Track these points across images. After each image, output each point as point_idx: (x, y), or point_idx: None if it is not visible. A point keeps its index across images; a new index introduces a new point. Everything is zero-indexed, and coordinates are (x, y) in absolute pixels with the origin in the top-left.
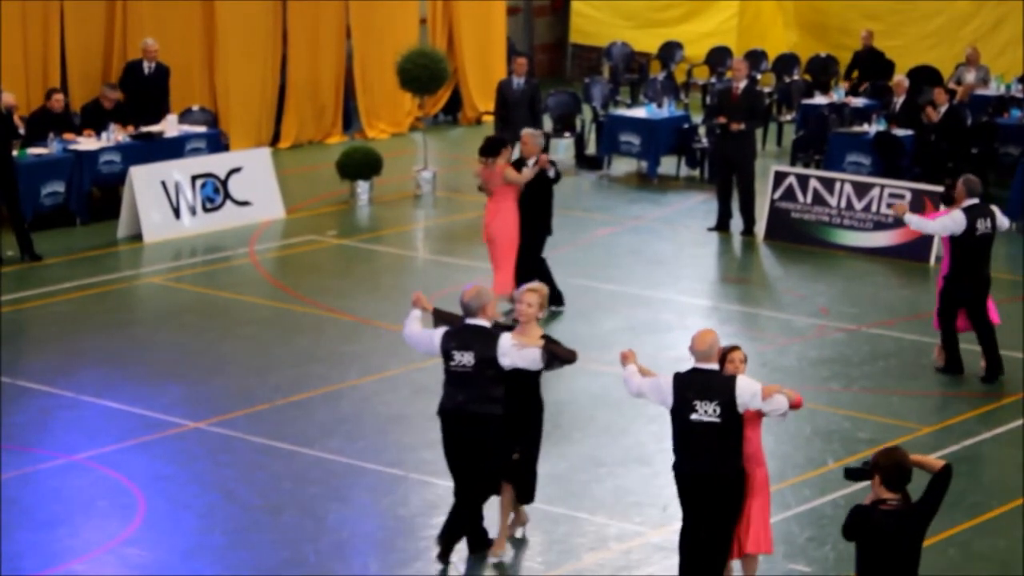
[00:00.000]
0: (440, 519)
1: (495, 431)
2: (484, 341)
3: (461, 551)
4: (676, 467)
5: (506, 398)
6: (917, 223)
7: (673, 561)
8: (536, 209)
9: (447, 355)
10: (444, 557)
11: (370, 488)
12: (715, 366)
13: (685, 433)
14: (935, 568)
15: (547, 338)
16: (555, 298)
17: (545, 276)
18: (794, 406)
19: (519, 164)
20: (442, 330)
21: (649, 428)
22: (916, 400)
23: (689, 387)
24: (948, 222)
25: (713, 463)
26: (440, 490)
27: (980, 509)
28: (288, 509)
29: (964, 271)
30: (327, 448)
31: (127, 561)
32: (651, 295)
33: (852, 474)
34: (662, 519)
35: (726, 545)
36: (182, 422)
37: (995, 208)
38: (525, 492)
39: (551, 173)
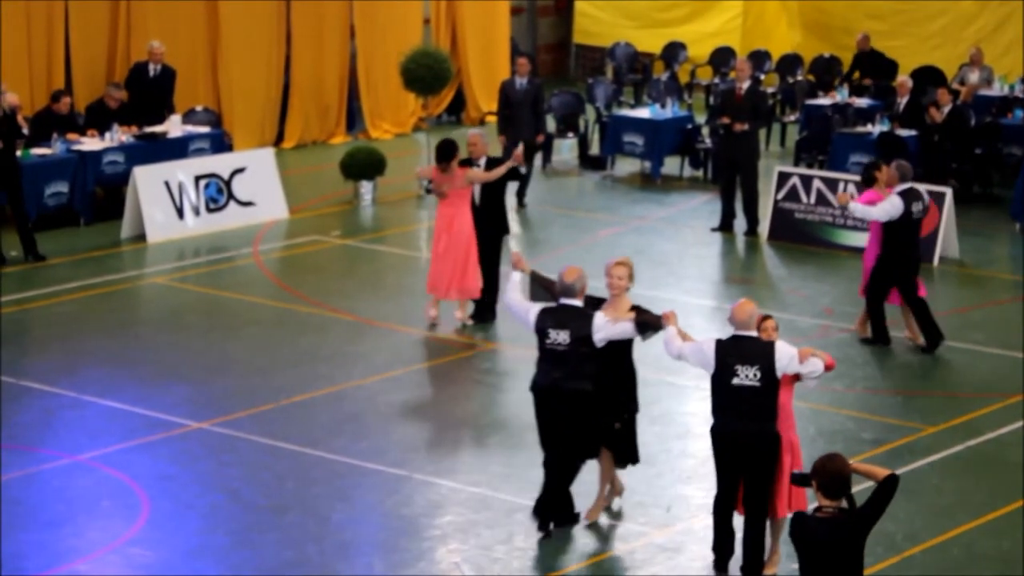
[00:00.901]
0: (444, 519)
1: (587, 407)
2: (579, 320)
3: (457, 551)
4: (715, 429)
5: (603, 370)
6: (861, 211)
7: (676, 561)
8: (494, 209)
9: (543, 333)
10: (544, 528)
11: (374, 488)
12: (754, 334)
13: (726, 397)
14: (938, 568)
15: (637, 308)
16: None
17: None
18: (828, 367)
19: (467, 164)
20: (538, 308)
21: (652, 429)
22: (920, 400)
23: (730, 353)
24: (888, 207)
25: (752, 424)
26: (444, 490)
27: (984, 509)
28: (292, 509)
29: (898, 252)
30: (331, 448)
31: (131, 561)
32: (655, 295)
33: (796, 479)
34: (666, 519)
35: (763, 506)
36: (186, 422)
37: (923, 190)
38: (630, 454)
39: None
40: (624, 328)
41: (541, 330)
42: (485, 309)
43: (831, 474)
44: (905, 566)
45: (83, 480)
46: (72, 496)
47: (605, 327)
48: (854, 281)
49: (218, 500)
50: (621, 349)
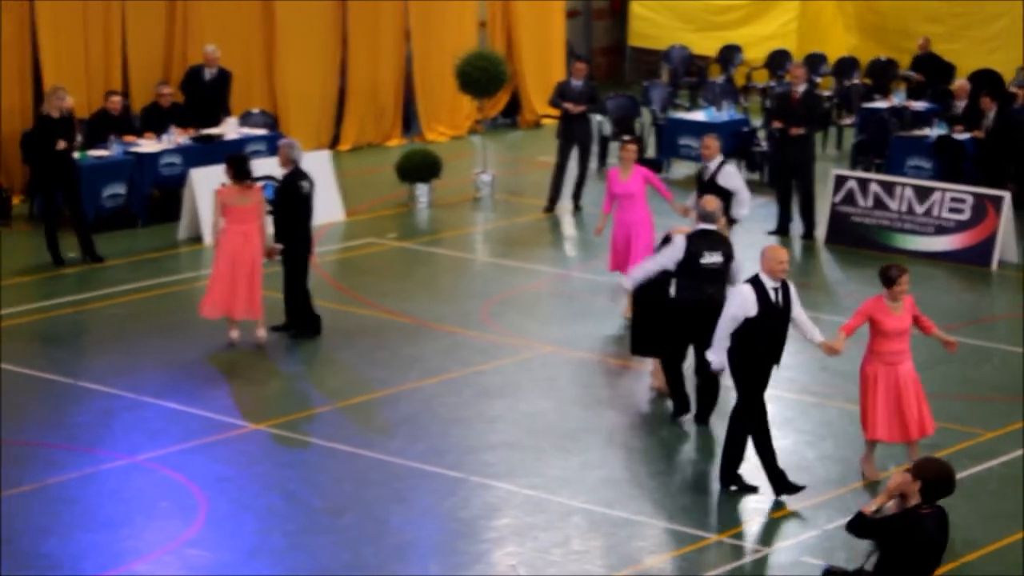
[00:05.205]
0: (501, 522)
1: None
2: (726, 243)
3: (514, 554)
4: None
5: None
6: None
7: (732, 566)
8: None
9: (697, 255)
10: (702, 419)
11: (431, 490)
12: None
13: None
14: (996, 574)
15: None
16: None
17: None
18: (825, 347)
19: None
20: (681, 237)
21: (710, 432)
22: (978, 405)
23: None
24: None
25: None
26: (501, 493)
27: None
28: (349, 511)
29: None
30: (387, 450)
31: (188, 562)
32: None
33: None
34: (722, 522)
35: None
36: (243, 424)
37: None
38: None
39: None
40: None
41: (695, 253)
42: None
43: (944, 478)
44: (963, 571)
45: (141, 481)
46: (130, 497)
47: (736, 251)
48: (911, 285)
49: (275, 501)
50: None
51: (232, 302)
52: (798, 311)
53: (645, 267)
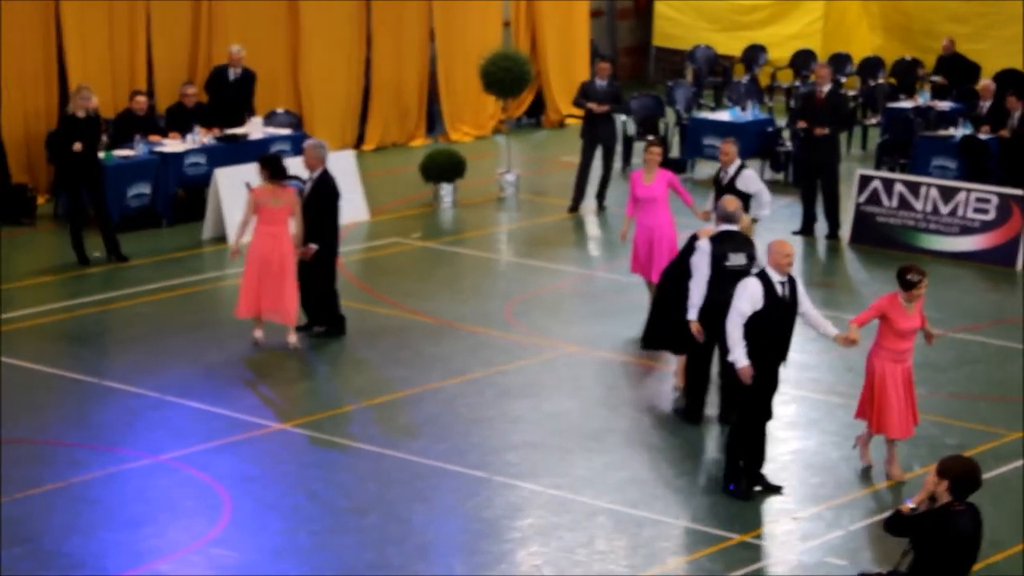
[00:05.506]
0: (525, 522)
1: None
2: (749, 244)
3: (538, 553)
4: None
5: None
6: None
7: (756, 566)
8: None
9: (722, 257)
10: (727, 418)
11: (454, 490)
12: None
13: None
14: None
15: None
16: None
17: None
18: (840, 338)
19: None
20: (706, 241)
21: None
22: (1003, 406)
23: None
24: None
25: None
26: (524, 492)
27: None
28: (373, 511)
29: None
30: (411, 450)
31: (213, 561)
32: None
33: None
34: (746, 523)
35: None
36: (267, 423)
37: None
38: None
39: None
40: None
41: (721, 255)
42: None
43: (969, 472)
44: (990, 572)
45: (165, 480)
46: (154, 496)
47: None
48: (936, 285)
49: (300, 501)
50: None
51: (260, 303)
52: (807, 306)
53: (697, 290)
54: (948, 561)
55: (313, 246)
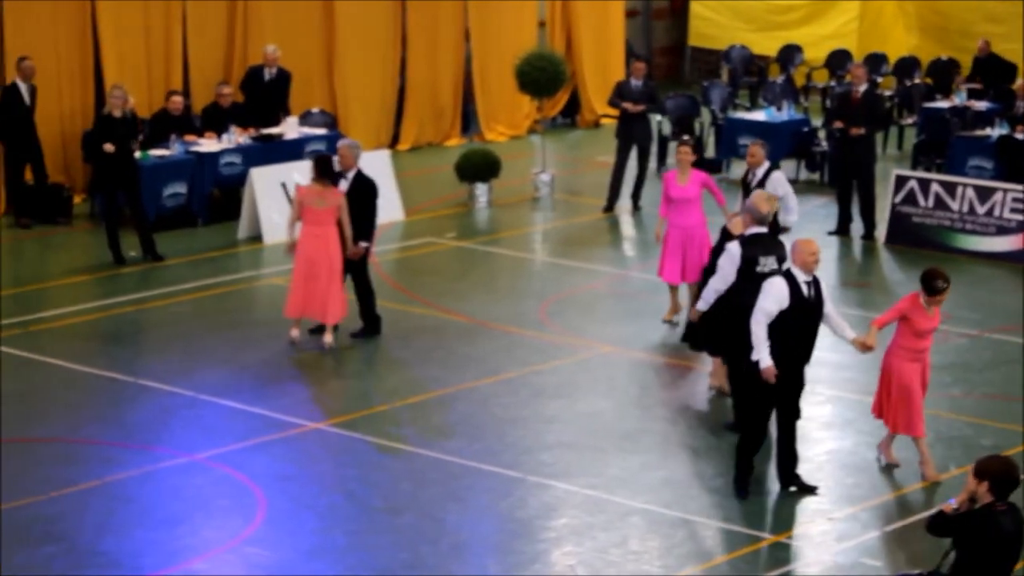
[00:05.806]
0: (559, 522)
1: None
2: (780, 246)
3: (572, 553)
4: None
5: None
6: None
7: (790, 567)
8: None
9: (753, 261)
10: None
11: (488, 490)
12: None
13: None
14: None
15: None
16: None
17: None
18: (857, 343)
19: (338, 177)
20: (735, 244)
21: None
22: None
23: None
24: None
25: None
26: (559, 492)
27: None
28: (407, 510)
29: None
30: (445, 450)
31: (248, 560)
32: None
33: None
34: (781, 523)
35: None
36: (302, 422)
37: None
38: None
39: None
40: None
41: (752, 258)
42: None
43: (1008, 470)
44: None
45: (200, 479)
46: (189, 495)
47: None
48: (973, 286)
49: (335, 501)
50: None
51: (307, 304)
52: (829, 307)
53: (714, 287)
54: (991, 561)
55: (364, 244)
